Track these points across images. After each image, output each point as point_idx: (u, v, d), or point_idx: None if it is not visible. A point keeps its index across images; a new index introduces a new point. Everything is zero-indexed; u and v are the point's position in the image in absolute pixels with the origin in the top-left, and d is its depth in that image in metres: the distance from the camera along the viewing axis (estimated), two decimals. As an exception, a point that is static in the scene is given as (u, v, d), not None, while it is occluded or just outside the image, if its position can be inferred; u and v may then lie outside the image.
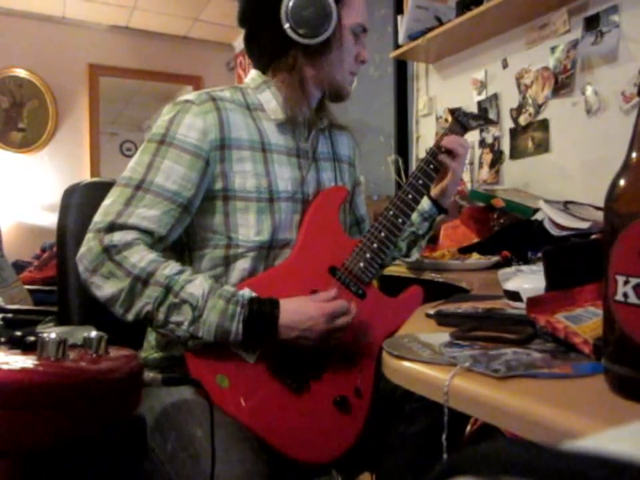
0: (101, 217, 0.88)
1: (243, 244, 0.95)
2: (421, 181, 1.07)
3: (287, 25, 0.95)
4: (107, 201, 0.90)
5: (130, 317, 0.86)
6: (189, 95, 0.98)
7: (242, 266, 0.96)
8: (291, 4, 0.94)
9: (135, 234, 0.87)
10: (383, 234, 1.02)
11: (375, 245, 1.01)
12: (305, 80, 1.01)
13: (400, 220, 1.03)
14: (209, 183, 0.94)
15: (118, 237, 0.86)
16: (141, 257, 0.85)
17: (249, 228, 0.95)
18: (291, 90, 1.01)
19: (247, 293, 0.89)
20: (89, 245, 0.87)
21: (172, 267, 0.86)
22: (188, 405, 0.87)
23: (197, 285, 0.86)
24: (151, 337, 1.00)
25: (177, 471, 0.80)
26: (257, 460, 0.79)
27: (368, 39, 1.07)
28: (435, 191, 1.21)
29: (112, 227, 0.87)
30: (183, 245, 0.99)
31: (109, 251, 0.85)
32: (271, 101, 1.02)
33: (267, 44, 1.01)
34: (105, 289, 0.85)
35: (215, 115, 0.95)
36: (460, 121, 1.18)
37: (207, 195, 0.95)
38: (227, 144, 0.95)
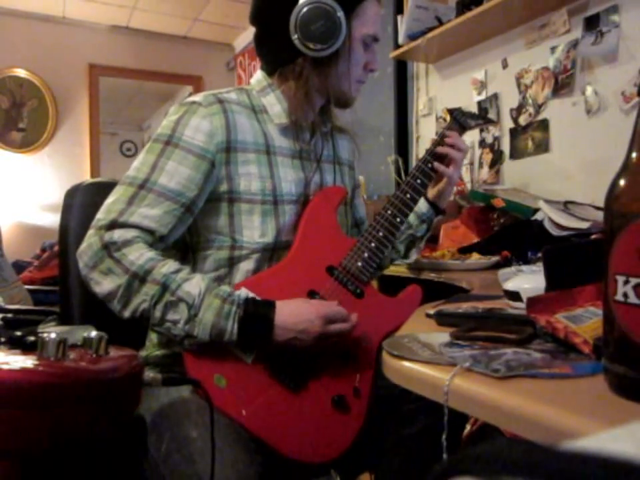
0: (103, 215, 0.89)
1: (247, 245, 0.96)
2: (419, 180, 1.07)
3: (295, 36, 0.95)
4: (109, 199, 0.91)
5: (127, 313, 0.86)
6: (196, 96, 0.98)
7: (246, 267, 0.96)
8: (300, 15, 0.94)
9: (135, 232, 0.88)
10: (381, 233, 1.01)
11: (373, 244, 1.01)
12: (310, 89, 1.00)
13: (398, 219, 1.03)
14: (213, 185, 0.95)
15: (118, 235, 0.86)
16: (139, 255, 0.86)
17: (254, 230, 0.96)
18: (296, 98, 1.00)
19: (243, 293, 0.89)
20: (90, 241, 0.87)
21: (169, 265, 0.87)
22: (185, 406, 0.87)
23: (194, 284, 0.86)
24: (153, 335, 1.00)
25: (171, 472, 0.79)
26: (251, 461, 0.78)
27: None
28: (431, 192, 1.20)
29: (113, 225, 0.87)
30: (187, 245, 0.99)
31: (108, 248, 0.86)
32: (274, 105, 1.02)
33: (275, 50, 1.01)
34: (103, 284, 0.86)
35: (222, 118, 0.95)
36: (458, 120, 1.17)
37: (212, 197, 0.95)
38: (232, 146, 0.95)
